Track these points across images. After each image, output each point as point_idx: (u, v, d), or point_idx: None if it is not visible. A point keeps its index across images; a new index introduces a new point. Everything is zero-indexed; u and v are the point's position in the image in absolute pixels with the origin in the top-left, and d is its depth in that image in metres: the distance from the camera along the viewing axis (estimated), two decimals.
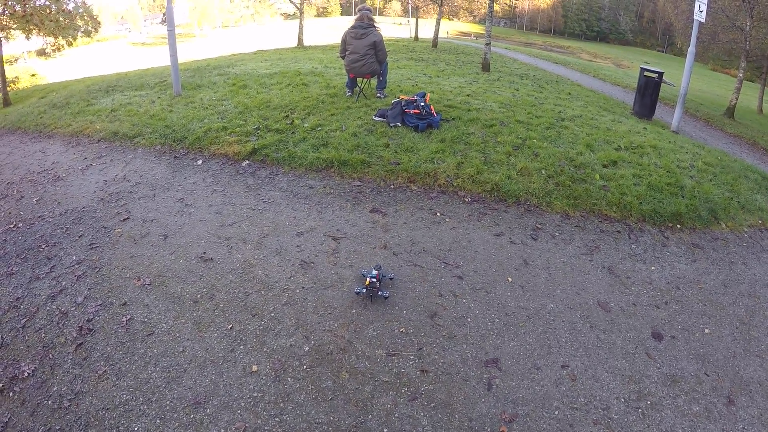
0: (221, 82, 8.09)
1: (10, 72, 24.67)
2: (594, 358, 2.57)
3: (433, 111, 5.05)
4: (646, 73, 8.98)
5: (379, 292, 2.74)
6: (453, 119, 5.35)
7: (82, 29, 13.52)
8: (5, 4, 11.10)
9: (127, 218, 3.74)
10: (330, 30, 48.94)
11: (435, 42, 21.74)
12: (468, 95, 7.05)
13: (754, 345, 2.84)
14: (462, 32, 57.48)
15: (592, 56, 59.17)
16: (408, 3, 27.37)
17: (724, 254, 3.75)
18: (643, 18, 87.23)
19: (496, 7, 16.37)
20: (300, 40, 25.58)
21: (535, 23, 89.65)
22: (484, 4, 18.16)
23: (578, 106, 8.06)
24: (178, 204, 3.92)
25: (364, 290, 2.74)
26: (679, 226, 3.97)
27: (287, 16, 27.15)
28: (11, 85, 23.74)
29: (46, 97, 10.42)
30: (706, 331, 2.89)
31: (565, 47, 66.05)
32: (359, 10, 6.04)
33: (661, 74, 8.97)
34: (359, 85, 6.26)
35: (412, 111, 4.95)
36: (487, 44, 12.29)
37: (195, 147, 4.97)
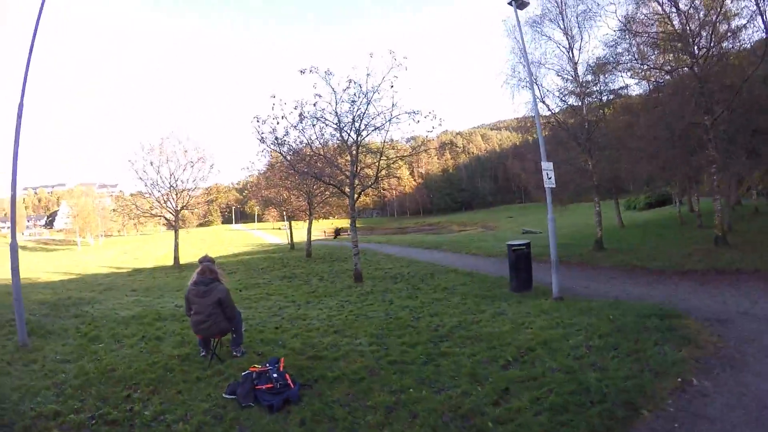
0: (74, 329, 7.21)
1: None
2: None
3: (289, 380, 4.52)
4: (514, 249, 9.39)
5: None
6: (316, 381, 4.83)
7: None
8: None
9: None
10: (209, 241, 50.73)
11: (308, 251, 22.96)
12: (335, 332, 6.72)
13: None
14: (339, 227, 61.86)
15: (461, 226, 66.26)
16: (283, 210, 29.17)
17: None
18: (498, 179, 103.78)
19: (366, 199, 18.13)
20: (176, 259, 25.70)
21: (405, 207, 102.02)
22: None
23: (456, 306, 8.13)
24: None
25: None
26: None
27: (169, 225, 27.63)
28: None
29: None
30: None
31: (435, 224, 74.73)
32: (200, 262, 5.63)
33: (527, 245, 9.52)
34: (212, 344, 5.59)
35: (264, 386, 4.37)
36: (356, 254, 12.74)
37: None
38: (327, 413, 4.20)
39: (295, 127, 12.18)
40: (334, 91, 11.77)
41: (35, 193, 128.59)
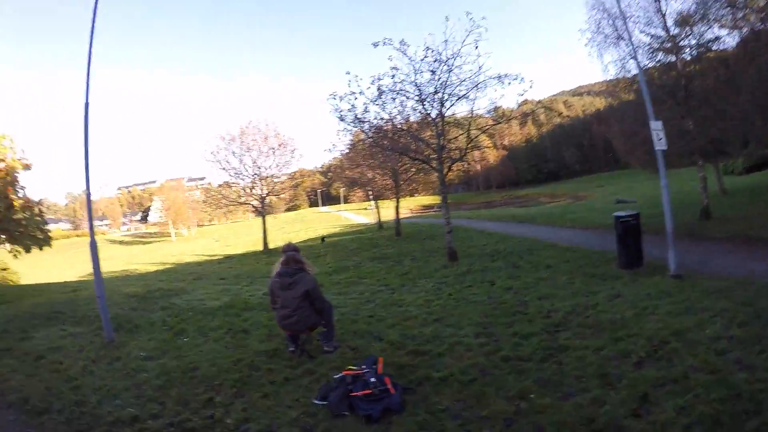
0: (160, 322, 7.13)
1: None
2: None
3: (389, 385, 3.81)
4: (621, 220, 8.20)
5: None
6: (419, 384, 4.08)
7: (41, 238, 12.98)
8: None
9: None
10: (298, 224, 51.80)
11: (398, 230, 22.33)
12: (436, 320, 5.94)
13: None
14: (424, 206, 60.98)
15: (550, 197, 63.09)
16: (369, 190, 28.71)
17: None
18: (584, 146, 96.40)
19: (451, 175, 17.35)
20: (265, 244, 26.53)
21: (490, 180, 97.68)
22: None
23: (564, 286, 7.17)
24: None
25: None
26: None
27: (257, 211, 28.41)
28: None
29: None
30: None
31: (522, 196, 71.35)
32: (284, 252, 5.09)
33: (636, 216, 8.27)
34: (301, 339, 5.06)
35: (361, 392, 3.72)
36: (448, 232, 11.77)
37: None
38: (435, 426, 3.46)
39: (374, 102, 11.50)
40: (412, 62, 10.95)
41: (129, 191, 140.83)
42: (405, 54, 10.93)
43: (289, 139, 26.23)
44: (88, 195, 6.87)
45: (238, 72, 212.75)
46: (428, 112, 11.60)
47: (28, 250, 12.88)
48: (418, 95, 11.39)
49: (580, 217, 18.73)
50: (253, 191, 26.32)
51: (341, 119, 11.91)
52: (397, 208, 23.52)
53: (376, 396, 3.69)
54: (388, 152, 14.40)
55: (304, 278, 4.86)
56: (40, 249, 13.19)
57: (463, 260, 11.41)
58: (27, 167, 12.63)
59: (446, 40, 10.72)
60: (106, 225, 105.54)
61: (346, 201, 71.73)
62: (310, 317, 4.84)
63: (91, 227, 6.87)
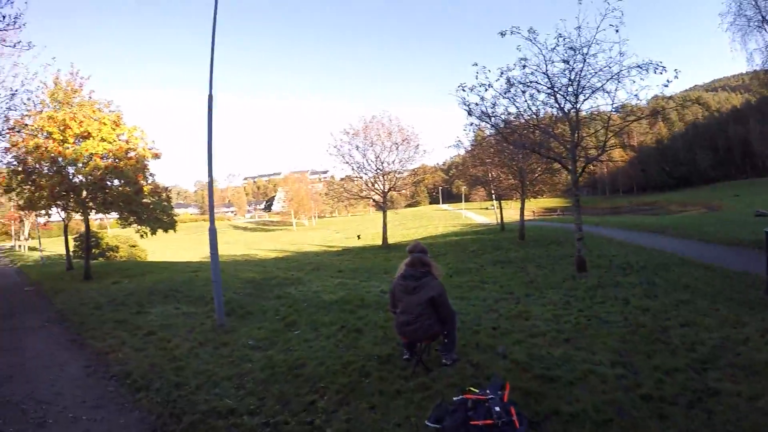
0: (272, 311, 7.19)
1: (112, 240, 27.86)
2: None
3: (514, 416, 3.11)
4: None
5: None
6: (547, 417, 3.35)
7: (166, 222, 14.17)
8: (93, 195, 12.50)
9: None
10: (418, 220, 52.14)
11: (521, 233, 21.05)
12: (566, 340, 5.11)
13: None
14: (546, 209, 57.56)
15: (680, 206, 57.17)
16: (492, 189, 27.66)
17: None
18: (719, 149, 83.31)
19: (584, 177, 15.82)
20: (384, 239, 26.81)
21: (617, 184, 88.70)
22: (567, 179, 17.48)
23: (708, 313, 6.07)
24: None
25: None
26: None
27: (378, 206, 29.01)
28: (111, 253, 26.47)
29: (118, 283, 11.23)
30: None
31: (651, 203, 64.57)
32: (410, 252, 4.54)
33: None
34: (419, 347, 4.50)
35: (481, 422, 3.07)
36: (579, 239, 10.48)
37: None
38: None
39: (503, 95, 10.71)
40: (541, 52, 10.10)
41: (254, 182, 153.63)
42: (534, 43, 10.07)
43: (412, 135, 26.30)
44: (210, 183, 7.13)
45: (361, 67, 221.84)
46: (561, 105, 10.58)
47: (154, 232, 14.30)
48: (549, 87, 10.46)
49: (715, 231, 16.99)
50: (375, 186, 26.87)
51: (469, 113, 11.24)
52: (522, 209, 22.22)
53: (498, 428, 3.05)
54: (519, 149, 13.60)
55: (431, 283, 4.31)
56: (165, 231, 14.44)
57: (593, 271, 10.39)
58: (156, 156, 13.99)
59: (579, 26, 9.71)
60: (232, 212, 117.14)
61: (467, 200, 70.77)
62: (432, 326, 4.26)
63: (212, 214, 7.10)
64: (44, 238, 32.23)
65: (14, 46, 9.25)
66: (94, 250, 24.96)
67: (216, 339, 5.83)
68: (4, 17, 8.18)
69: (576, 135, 10.37)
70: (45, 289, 11.74)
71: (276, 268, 15.97)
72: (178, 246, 45.02)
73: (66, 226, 16.39)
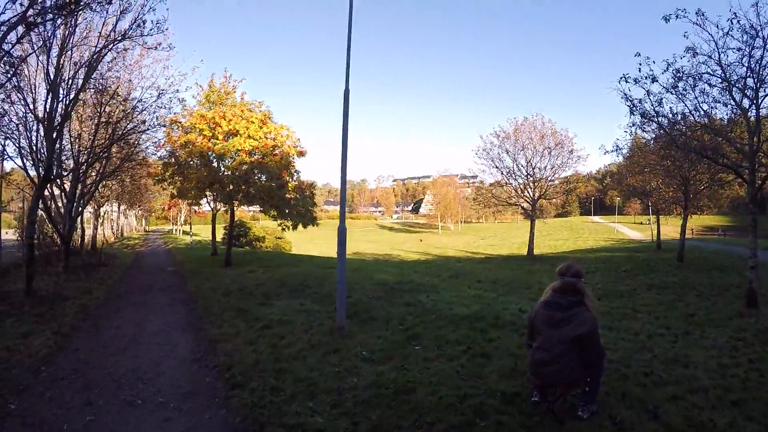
0: (397, 319, 6.49)
1: (260, 231, 30.80)
2: None
3: None
4: None
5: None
6: None
7: (307, 217, 14.77)
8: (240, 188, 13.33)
9: None
10: (566, 231, 48.10)
11: (681, 254, 17.94)
12: (734, 403, 3.73)
13: None
14: (705, 227, 49.74)
15: None
16: (648, 203, 24.19)
17: None
18: None
19: (741, 192, 12.28)
20: (530, 250, 25.14)
21: None
22: (737, 193, 14.01)
23: None
24: None
25: None
26: None
27: (526, 214, 27.71)
28: (258, 243, 29.21)
29: (254, 272, 11.85)
30: None
31: None
32: (560, 275, 3.45)
33: None
34: (551, 393, 3.31)
35: None
36: (752, 267, 8.65)
37: None
38: None
39: (671, 91, 9.26)
40: (712, 37, 8.58)
41: (403, 183, 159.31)
42: (704, 28, 8.58)
43: (566, 138, 24.30)
44: (343, 180, 6.64)
45: (515, 65, 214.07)
46: (739, 101, 8.91)
47: (295, 227, 14.98)
48: (723, 80, 8.86)
49: None
50: (525, 193, 25.52)
51: (632, 110, 9.71)
52: (683, 226, 19.30)
53: None
54: (689, 154, 11.75)
55: (582, 316, 3.25)
56: (304, 227, 15.07)
57: (765, 308, 8.62)
58: (301, 154, 14.70)
59: (757, 2, 7.98)
60: (380, 212, 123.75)
61: (620, 212, 63.37)
62: (574, 371, 3.19)
63: (342, 212, 6.65)
64: (199, 225, 36.81)
65: (156, 48, 10.27)
66: (242, 239, 27.79)
67: (330, 343, 5.27)
68: (144, 22, 8.81)
69: (756, 138, 8.69)
70: (185, 270, 12.99)
71: (413, 271, 15.48)
72: (323, 241, 47.95)
73: (214, 215, 18.28)
